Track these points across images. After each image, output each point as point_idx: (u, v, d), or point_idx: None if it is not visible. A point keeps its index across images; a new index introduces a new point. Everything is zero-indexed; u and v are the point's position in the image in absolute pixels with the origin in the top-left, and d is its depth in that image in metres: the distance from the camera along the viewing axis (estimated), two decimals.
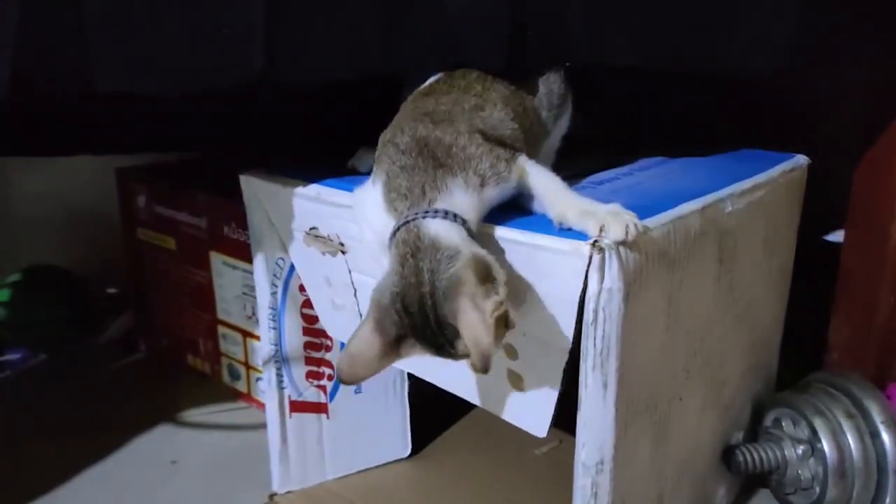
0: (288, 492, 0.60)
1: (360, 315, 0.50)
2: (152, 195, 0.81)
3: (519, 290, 0.38)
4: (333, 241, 0.49)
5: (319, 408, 0.61)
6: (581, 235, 0.36)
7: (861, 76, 0.65)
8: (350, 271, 0.49)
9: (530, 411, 0.41)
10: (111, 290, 0.98)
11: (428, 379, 0.48)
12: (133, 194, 0.83)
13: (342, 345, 0.60)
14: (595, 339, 0.35)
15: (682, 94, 0.75)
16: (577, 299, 0.35)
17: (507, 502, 0.59)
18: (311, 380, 0.60)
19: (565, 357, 0.37)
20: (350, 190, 0.48)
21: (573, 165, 0.51)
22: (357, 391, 0.62)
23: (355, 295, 0.50)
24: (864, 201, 0.66)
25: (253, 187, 0.54)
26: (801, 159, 0.58)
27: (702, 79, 0.65)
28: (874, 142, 0.64)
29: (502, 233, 0.39)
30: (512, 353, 0.40)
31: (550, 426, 0.40)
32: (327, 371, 0.60)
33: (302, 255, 0.53)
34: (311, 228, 0.50)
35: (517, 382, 0.41)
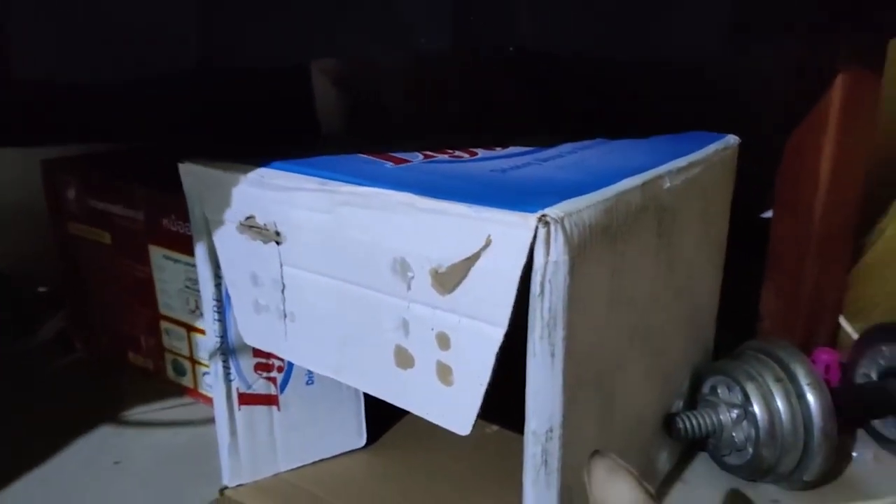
0: (239, 485, 0.59)
1: (285, 315, 0.49)
2: (83, 188, 0.78)
3: (462, 266, 0.38)
4: (269, 231, 0.47)
5: (269, 399, 0.60)
6: (528, 207, 0.36)
7: (792, 57, 0.68)
8: (282, 265, 0.47)
9: (455, 408, 0.40)
10: (42, 289, 0.93)
11: (344, 381, 0.46)
12: (62, 187, 0.79)
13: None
14: (542, 310, 0.36)
15: (621, 78, 0.77)
16: (518, 275, 0.36)
17: (461, 480, 0.60)
18: (260, 372, 0.59)
19: (498, 344, 0.37)
20: (297, 171, 0.46)
21: (519, 143, 0.52)
22: (309, 382, 0.61)
23: (283, 292, 0.48)
24: (791, 179, 0.70)
25: (193, 175, 0.52)
26: (732, 139, 0.61)
27: (639, 64, 0.67)
28: (801, 122, 0.67)
29: (446, 206, 0.38)
30: (445, 342, 0.40)
31: (477, 419, 0.39)
32: (277, 363, 0.59)
33: (230, 249, 0.51)
34: (247, 218, 0.48)
35: (446, 376, 0.40)
